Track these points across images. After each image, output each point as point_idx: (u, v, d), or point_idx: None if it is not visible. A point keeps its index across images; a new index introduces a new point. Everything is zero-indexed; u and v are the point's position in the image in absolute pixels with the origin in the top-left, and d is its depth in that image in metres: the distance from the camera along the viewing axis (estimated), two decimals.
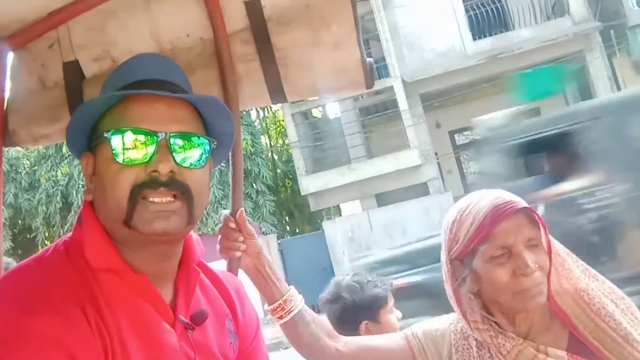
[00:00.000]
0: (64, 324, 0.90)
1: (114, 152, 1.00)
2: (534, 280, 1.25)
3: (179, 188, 1.00)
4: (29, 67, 1.44)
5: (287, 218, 19.97)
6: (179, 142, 1.02)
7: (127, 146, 0.99)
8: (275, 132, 21.78)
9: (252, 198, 16.04)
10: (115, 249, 1.02)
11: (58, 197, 16.08)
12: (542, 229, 1.28)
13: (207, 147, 1.06)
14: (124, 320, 0.98)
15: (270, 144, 20.58)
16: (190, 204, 1.02)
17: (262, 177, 16.25)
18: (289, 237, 16.90)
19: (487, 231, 1.27)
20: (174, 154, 1.00)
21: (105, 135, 1.01)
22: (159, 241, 1.01)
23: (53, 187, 16.14)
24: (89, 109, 1.04)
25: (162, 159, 0.99)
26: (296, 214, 19.57)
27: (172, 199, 0.99)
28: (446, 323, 1.45)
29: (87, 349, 0.91)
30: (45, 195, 16.25)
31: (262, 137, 19.26)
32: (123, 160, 0.99)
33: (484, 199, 1.32)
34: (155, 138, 1.00)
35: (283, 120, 17.21)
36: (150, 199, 0.98)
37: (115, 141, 1.00)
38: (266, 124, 21.06)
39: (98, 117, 1.05)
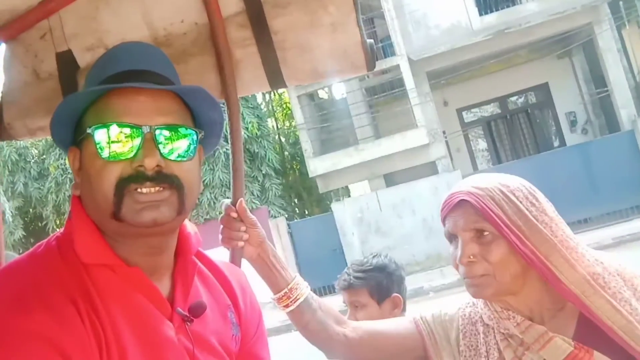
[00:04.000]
0: (57, 322, 0.88)
1: (98, 147, 0.97)
2: (472, 271, 1.27)
3: (167, 181, 0.98)
4: (22, 59, 1.41)
5: (295, 200, 19.99)
6: (165, 134, 0.99)
7: (111, 141, 0.97)
8: (282, 115, 21.70)
9: (259, 181, 16.03)
10: (106, 243, 1.00)
11: (67, 185, 16.15)
12: (493, 221, 1.24)
13: (195, 138, 1.03)
14: (119, 315, 0.96)
15: (277, 126, 20.52)
16: (181, 193, 0.99)
17: (269, 160, 16.21)
18: (298, 220, 16.92)
19: (442, 217, 1.34)
20: (160, 147, 0.98)
21: (89, 130, 0.98)
22: (150, 233, 0.98)
23: (62, 175, 16.21)
24: (71, 104, 1.01)
25: (148, 154, 0.96)
26: (305, 196, 19.57)
27: (161, 189, 0.97)
28: (455, 308, 1.44)
29: (81, 347, 0.89)
30: (55, 184, 16.33)
31: (268, 120, 19.20)
32: (108, 155, 0.97)
33: (455, 185, 1.35)
34: (140, 132, 0.97)
35: (289, 103, 17.12)
36: (138, 190, 0.96)
37: (99, 136, 0.97)
38: (272, 106, 20.97)
39: (82, 111, 1.02)
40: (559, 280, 1.22)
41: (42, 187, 16.78)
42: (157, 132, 0.98)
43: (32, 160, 17.20)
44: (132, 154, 0.96)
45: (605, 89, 13.99)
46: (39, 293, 0.91)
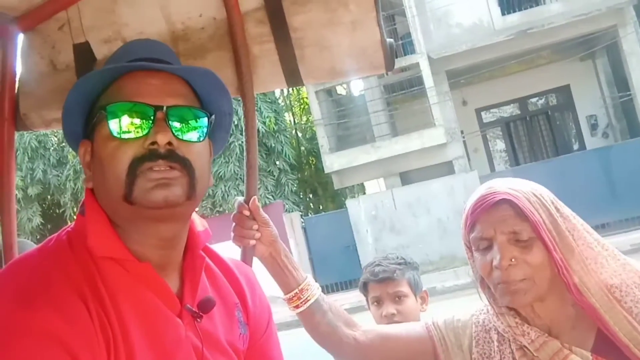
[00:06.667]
0: (64, 319, 0.87)
1: (110, 128, 0.98)
2: (510, 276, 1.21)
3: (178, 160, 0.98)
4: (40, 49, 1.41)
5: (310, 196, 20.00)
6: (177, 115, 1.00)
7: (123, 121, 0.98)
8: (300, 110, 21.71)
9: (274, 176, 16.05)
10: (117, 237, 1.00)
11: None
12: (534, 223, 1.20)
13: (205, 122, 1.04)
14: (127, 312, 0.95)
15: (294, 121, 20.53)
16: (192, 176, 0.99)
17: (285, 155, 16.22)
18: (312, 215, 16.92)
19: (471, 221, 1.27)
20: (172, 126, 0.98)
21: (102, 112, 0.99)
22: (161, 216, 0.97)
23: (80, 163, 16.37)
24: (83, 87, 1.02)
25: (160, 130, 0.97)
26: (320, 192, 19.58)
27: (172, 168, 0.97)
28: (468, 314, 1.41)
29: (89, 345, 0.88)
30: (73, 172, 16.51)
31: (285, 114, 19.22)
32: (121, 135, 0.97)
33: (483, 187, 1.29)
34: (152, 111, 0.98)
35: (307, 98, 17.11)
36: (151, 168, 0.96)
37: (112, 117, 0.98)
38: (290, 101, 20.99)
39: (94, 98, 1.03)
40: (580, 292, 1.19)
41: (60, 175, 16.97)
42: (169, 112, 0.99)
43: (52, 148, 17.39)
44: (144, 133, 0.97)
45: (628, 92, 13.76)
46: (47, 289, 0.91)
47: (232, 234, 1.36)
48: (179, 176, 0.97)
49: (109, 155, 0.98)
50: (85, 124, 1.06)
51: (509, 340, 1.30)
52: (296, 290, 1.38)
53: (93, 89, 1.03)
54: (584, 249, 1.22)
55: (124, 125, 0.97)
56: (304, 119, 21.17)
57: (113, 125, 0.97)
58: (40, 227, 16.93)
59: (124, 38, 1.36)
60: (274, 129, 15.97)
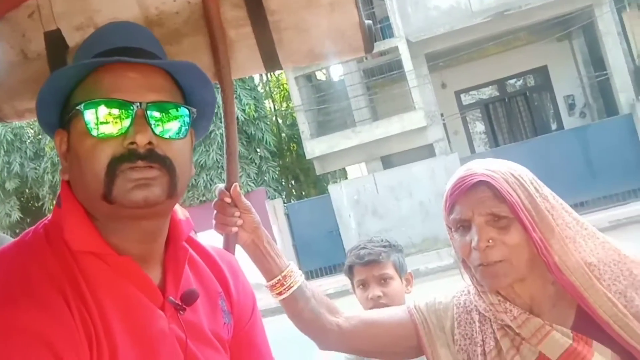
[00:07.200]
0: (44, 315, 0.85)
1: (87, 126, 0.94)
2: (487, 257, 1.21)
3: (158, 161, 0.94)
4: (9, 38, 1.37)
5: (292, 182, 19.96)
6: (157, 112, 0.96)
7: (101, 119, 0.93)
8: (279, 96, 21.57)
9: (256, 163, 15.97)
10: (96, 231, 0.97)
11: None
12: (512, 204, 1.20)
13: (187, 118, 1.00)
14: (109, 307, 0.93)
15: (274, 108, 20.41)
16: (173, 175, 0.96)
17: (266, 142, 16.14)
18: (295, 201, 16.91)
19: (450, 203, 1.27)
20: (151, 124, 0.95)
21: (78, 108, 0.95)
22: (141, 214, 0.95)
23: (58, 156, 16.13)
24: (58, 81, 0.97)
25: (140, 130, 0.93)
26: (302, 178, 19.54)
27: (152, 167, 0.94)
28: (449, 296, 1.41)
29: (70, 340, 0.86)
30: (51, 164, 16.25)
31: (265, 101, 19.08)
32: (98, 134, 0.94)
33: (462, 168, 1.29)
34: (131, 108, 0.94)
35: (287, 84, 17.00)
36: (130, 169, 0.93)
37: (89, 114, 0.94)
38: (269, 88, 20.84)
39: (69, 90, 0.99)
40: (560, 271, 1.20)
41: (38, 168, 16.70)
42: (149, 109, 0.95)
43: (28, 141, 17.09)
44: (123, 132, 0.93)
45: (605, 72, 13.91)
46: (26, 284, 0.88)
47: (213, 222, 1.35)
48: (158, 175, 0.94)
49: (86, 153, 0.94)
50: (61, 115, 1.02)
51: (490, 320, 1.30)
52: (279, 277, 1.37)
53: (68, 82, 0.98)
54: (563, 228, 1.22)
55: (101, 123, 0.93)
56: (284, 105, 21.05)
57: (90, 122, 0.94)
58: (19, 221, 16.68)
59: (97, 24, 1.32)
60: (254, 116, 15.86)
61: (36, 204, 17.67)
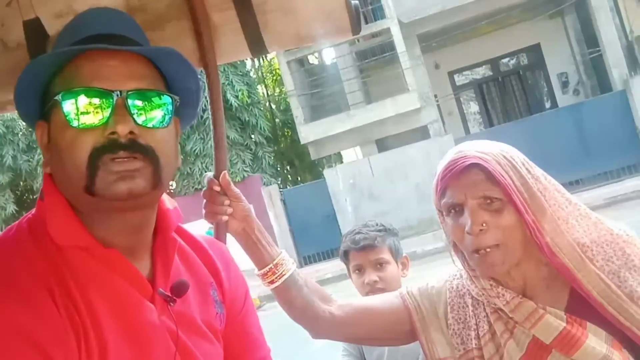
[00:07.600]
0: (31, 313, 0.83)
1: (67, 117, 0.91)
2: (481, 242, 1.19)
3: (141, 150, 0.91)
4: None
5: (288, 168, 19.95)
6: (138, 100, 0.93)
7: (81, 109, 0.90)
8: (272, 81, 21.46)
9: (251, 149, 15.93)
10: (81, 224, 0.94)
11: None
12: (504, 186, 1.18)
13: (170, 106, 0.97)
14: (97, 301, 0.91)
15: (267, 93, 20.30)
16: (157, 165, 0.93)
17: (260, 127, 16.08)
18: (290, 187, 16.90)
19: (442, 186, 1.25)
20: (133, 113, 0.92)
21: (56, 98, 0.92)
22: (126, 207, 0.92)
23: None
24: (36, 70, 0.94)
25: (120, 120, 0.90)
26: (297, 163, 19.53)
27: (135, 158, 0.91)
28: (442, 281, 1.40)
29: (58, 339, 0.84)
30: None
31: (258, 87, 18.99)
32: (78, 124, 0.91)
33: (452, 150, 1.27)
34: (111, 97, 0.91)
35: (279, 69, 16.89)
36: (112, 160, 0.90)
37: (68, 105, 0.91)
38: (262, 73, 20.72)
39: (48, 80, 0.95)
40: (552, 252, 1.19)
41: (31, 160, 16.62)
42: (130, 98, 0.92)
43: (20, 133, 16.98)
44: (103, 122, 0.90)
45: (598, 49, 13.86)
46: (11, 281, 0.86)
47: (203, 211, 1.33)
48: (142, 167, 0.92)
49: (66, 144, 0.91)
50: (40, 105, 0.99)
51: (483, 304, 1.29)
52: (270, 266, 1.35)
53: (47, 71, 0.95)
54: (555, 209, 1.20)
55: (81, 113, 0.91)
56: (277, 90, 20.95)
57: (69, 113, 0.91)
58: (15, 214, 16.63)
59: (77, 11, 1.27)
60: (247, 102, 15.79)
61: (31, 197, 17.62)
